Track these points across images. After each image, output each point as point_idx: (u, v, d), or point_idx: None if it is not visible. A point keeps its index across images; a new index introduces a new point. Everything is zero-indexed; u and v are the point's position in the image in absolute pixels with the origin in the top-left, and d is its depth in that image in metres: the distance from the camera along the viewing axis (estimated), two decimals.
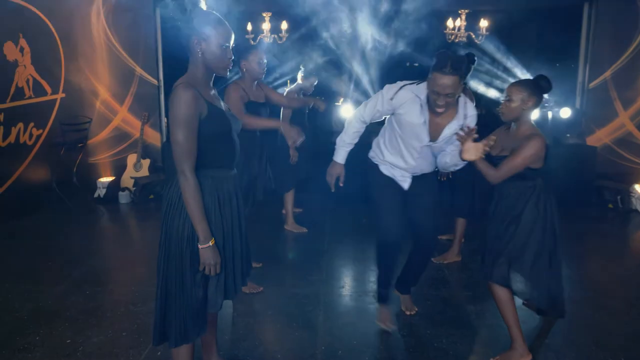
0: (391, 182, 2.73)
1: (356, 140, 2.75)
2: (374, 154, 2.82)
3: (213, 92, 1.96)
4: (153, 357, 2.53)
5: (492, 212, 2.59)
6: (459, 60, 2.32)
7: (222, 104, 1.99)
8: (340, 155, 2.76)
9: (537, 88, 2.42)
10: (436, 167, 2.79)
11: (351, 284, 3.52)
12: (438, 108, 2.43)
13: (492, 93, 6.24)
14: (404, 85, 2.57)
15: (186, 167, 1.81)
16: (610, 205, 5.36)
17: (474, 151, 2.32)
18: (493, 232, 2.51)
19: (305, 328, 2.85)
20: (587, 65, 5.88)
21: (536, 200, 2.41)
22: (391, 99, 2.56)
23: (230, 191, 1.98)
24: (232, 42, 1.89)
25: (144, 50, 6.00)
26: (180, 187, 1.83)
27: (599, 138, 5.85)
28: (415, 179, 2.74)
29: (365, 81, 6.81)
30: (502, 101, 2.44)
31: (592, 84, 5.82)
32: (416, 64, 7.31)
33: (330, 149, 2.83)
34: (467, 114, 2.56)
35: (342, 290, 3.41)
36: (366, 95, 6.68)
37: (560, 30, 5.78)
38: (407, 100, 2.53)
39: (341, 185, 2.75)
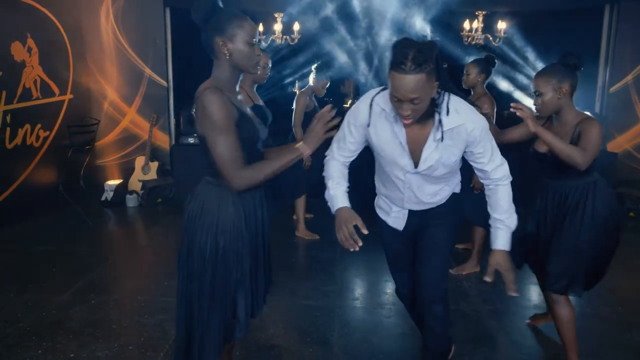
0: (398, 239, 2.25)
1: (346, 181, 2.03)
2: (377, 200, 2.25)
3: (240, 97, 1.81)
4: None
5: (541, 219, 2.39)
6: (423, 51, 1.62)
7: (249, 111, 1.82)
8: (339, 201, 1.95)
9: (566, 69, 2.19)
10: (453, 192, 2.18)
11: (366, 296, 3.38)
12: (404, 119, 1.76)
13: (504, 86, 6.09)
14: (369, 96, 1.93)
15: (236, 173, 1.64)
16: (632, 214, 5.19)
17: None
18: (556, 238, 2.30)
19: (319, 344, 2.71)
20: (607, 68, 5.70)
21: (597, 194, 2.25)
22: (357, 122, 1.95)
23: (256, 204, 1.83)
24: (257, 37, 1.74)
25: (153, 51, 5.89)
26: (246, 185, 1.68)
27: (619, 144, 5.65)
28: (422, 216, 2.11)
29: (376, 83, 6.68)
30: (534, 98, 2.25)
31: (612, 88, 5.64)
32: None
33: None
34: (453, 122, 1.82)
35: (357, 302, 3.27)
36: None
37: (580, 33, 5.60)
38: (374, 117, 1.90)
39: (366, 232, 1.80)
